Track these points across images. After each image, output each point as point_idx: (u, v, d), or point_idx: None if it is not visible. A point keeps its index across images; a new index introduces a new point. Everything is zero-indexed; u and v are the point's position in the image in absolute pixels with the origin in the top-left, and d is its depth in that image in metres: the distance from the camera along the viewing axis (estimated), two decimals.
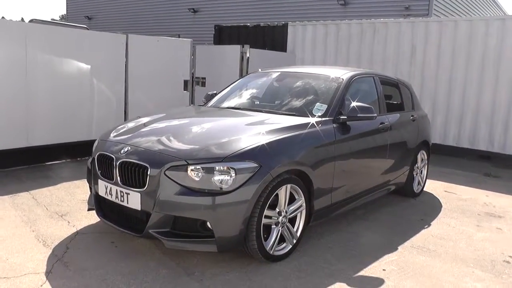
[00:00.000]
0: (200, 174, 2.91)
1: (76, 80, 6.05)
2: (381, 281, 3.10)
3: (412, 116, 5.25)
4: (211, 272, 3.05)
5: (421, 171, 5.49)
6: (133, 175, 3.08)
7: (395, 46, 8.65)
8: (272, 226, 3.23)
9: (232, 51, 8.79)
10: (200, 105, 4.79)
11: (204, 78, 8.83)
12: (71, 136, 6.09)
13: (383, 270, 3.29)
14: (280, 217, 3.24)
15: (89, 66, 6.15)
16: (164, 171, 2.95)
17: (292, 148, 3.32)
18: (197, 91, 8.28)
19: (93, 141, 3.87)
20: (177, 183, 2.93)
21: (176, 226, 2.99)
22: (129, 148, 3.22)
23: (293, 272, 3.14)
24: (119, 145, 3.34)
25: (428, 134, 5.65)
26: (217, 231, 2.90)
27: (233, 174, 2.91)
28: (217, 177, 2.91)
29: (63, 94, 5.93)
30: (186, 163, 2.94)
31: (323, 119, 3.79)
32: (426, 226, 4.36)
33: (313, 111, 3.91)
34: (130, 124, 3.84)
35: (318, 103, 4.00)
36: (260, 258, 3.15)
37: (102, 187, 3.31)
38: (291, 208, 3.33)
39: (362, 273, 3.22)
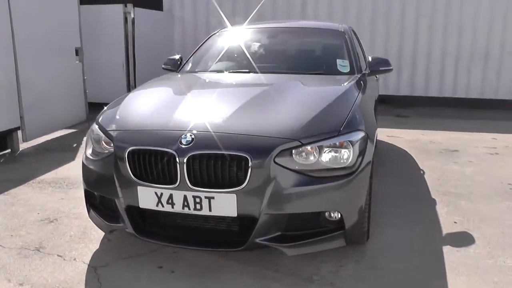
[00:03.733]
0: (316, 154, 2.27)
1: None
2: (469, 236, 2.98)
3: None
4: (329, 272, 2.46)
5: None
6: (218, 171, 2.21)
7: None
8: None
9: (113, 12, 7.71)
10: (193, 73, 3.75)
11: None
12: None
13: (455, 222, 3.21)
14: None
15: None
16: (274, 158, 2.19)
17: (370, 110, 2.89)
18: None
19: None
20: (292, 170, 2.22)
21: (289, 227, 2.30)
22: (192, 135, 2.29)
23: (400, 250, 2.78)
24: (169, 132, 2.36)
25: None
26: (347, 221, 2.33)
27: (351, 148, 2.34)
28: (337, 154, 2.31)
29: None
30: (300, 143, 2.24)
31: (357, 75, 3.42)
32: (422, 172, 4.46)
33: (338, 68, 3.50)
34: (141, 104, 2.80)
35: (338, 60, 3.59)
36: (364, 242, 2.70)
37: (151, 196, 2.32)
38: None
39: (445, 230, 3.06)
